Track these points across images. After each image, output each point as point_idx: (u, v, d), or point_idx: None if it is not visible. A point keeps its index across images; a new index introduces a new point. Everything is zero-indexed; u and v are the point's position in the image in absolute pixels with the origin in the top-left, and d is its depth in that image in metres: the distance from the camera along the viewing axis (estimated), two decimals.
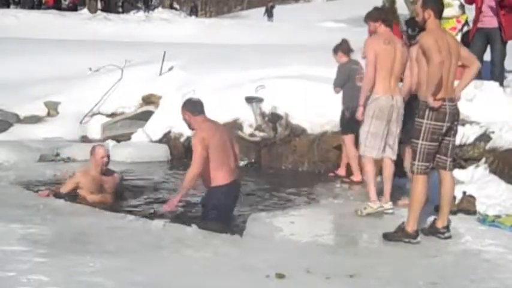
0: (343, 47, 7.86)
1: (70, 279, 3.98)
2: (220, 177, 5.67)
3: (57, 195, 6.37)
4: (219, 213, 5.71)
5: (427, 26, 5.27)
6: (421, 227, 5.46)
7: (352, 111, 7.33)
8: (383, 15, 6.42)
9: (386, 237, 5.37)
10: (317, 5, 43.87)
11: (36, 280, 3.93)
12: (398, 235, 5.31)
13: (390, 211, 6.12)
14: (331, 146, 8.30)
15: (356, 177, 7.67)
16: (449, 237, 5.39)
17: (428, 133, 5.15)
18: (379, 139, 6.15)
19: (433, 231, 5.45)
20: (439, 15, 5.28)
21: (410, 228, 5.27)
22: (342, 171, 7.98)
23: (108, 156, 6.70)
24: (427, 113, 5.13)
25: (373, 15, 6.42)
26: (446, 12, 8.02)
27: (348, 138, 7.70)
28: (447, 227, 5.42)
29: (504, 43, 8.49)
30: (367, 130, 6.13)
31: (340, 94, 7.78)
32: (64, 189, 6.46)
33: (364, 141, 6.16)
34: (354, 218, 6.13)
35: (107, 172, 6.67)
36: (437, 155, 5.33)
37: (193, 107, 5.82)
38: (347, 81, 7.71)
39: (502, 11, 8.31)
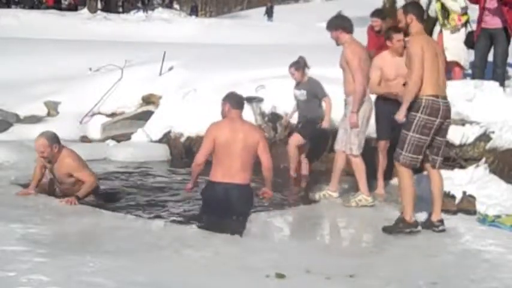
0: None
1: (70, 279, 3.98)
2: (213, 174, 5.90)
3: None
4: (206, 205, 5.96)
5: (412, 30, 5.59)
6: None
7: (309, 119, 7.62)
8: (343, 23, 6.53)
9: (387, 230, 5.45)
10: (316, 5, 43.79)
11: (36, 280, 3.92)
12: (399, 226, 5.43)
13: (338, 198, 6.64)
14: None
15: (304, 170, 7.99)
16: (444, 230, 5.51)
17: (420, 126, 5.38)
18: (363, 137, 6.58)
19: (428, 225, 5.59)
20: (421, 19, 5.61)
21: (409, 217, 5.43)
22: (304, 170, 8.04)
23: (42, 152, 6.19)
24: (421, 108, 5.38)
25: (334, 24, 6.54)
26: (451, 5, 8.42)
27: (299, 139, 7.76)
28: (441, 221, 5.56)
29: (508, 43, 8.45)
30: (360, 130, 6.47)
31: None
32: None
33: (359, 141, 6.49)
34: (354, 218, 6.15)
35: (56, 159, 6.30)
36: (429, 154, 5.52)
37: (234, 102, 6.09)
38: None
39: (506, 7, 8.23)
